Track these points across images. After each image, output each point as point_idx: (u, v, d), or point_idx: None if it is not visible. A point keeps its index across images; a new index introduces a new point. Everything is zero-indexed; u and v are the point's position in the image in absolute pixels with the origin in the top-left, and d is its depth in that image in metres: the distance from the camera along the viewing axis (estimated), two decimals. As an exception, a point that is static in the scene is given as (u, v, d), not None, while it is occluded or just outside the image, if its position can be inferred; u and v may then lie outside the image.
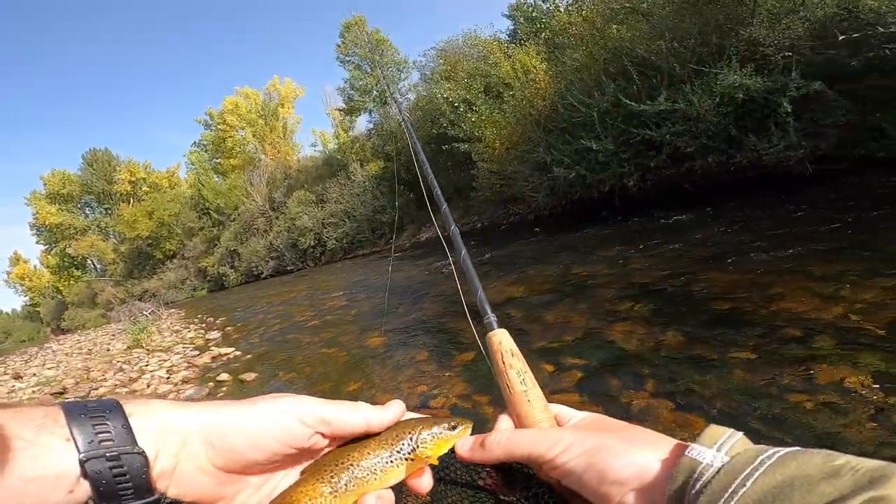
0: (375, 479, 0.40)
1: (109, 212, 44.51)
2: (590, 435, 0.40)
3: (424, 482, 0.44)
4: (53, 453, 0.30)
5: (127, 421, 0.33)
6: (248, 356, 6.14)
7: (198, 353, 7.19)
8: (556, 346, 3.44)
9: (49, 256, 48.24)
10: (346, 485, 0.39)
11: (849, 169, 6.05)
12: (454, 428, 0.45)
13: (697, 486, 0.30)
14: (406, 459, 0.41)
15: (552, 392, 2.80)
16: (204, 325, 11.24)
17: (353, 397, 3.59)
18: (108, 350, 10.09)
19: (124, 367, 7.22)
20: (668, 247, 5.41)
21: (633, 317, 3.58)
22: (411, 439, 0.42)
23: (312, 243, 23.38)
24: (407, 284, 8.37)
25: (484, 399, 2.95)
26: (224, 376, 5.24)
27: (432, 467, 0.45)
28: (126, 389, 5.64)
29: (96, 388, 6.00)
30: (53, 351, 13.49)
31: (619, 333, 3.33)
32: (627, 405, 2.41)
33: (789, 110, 5.85)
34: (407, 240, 18.38)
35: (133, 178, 43.77)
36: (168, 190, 42.60)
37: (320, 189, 23.86)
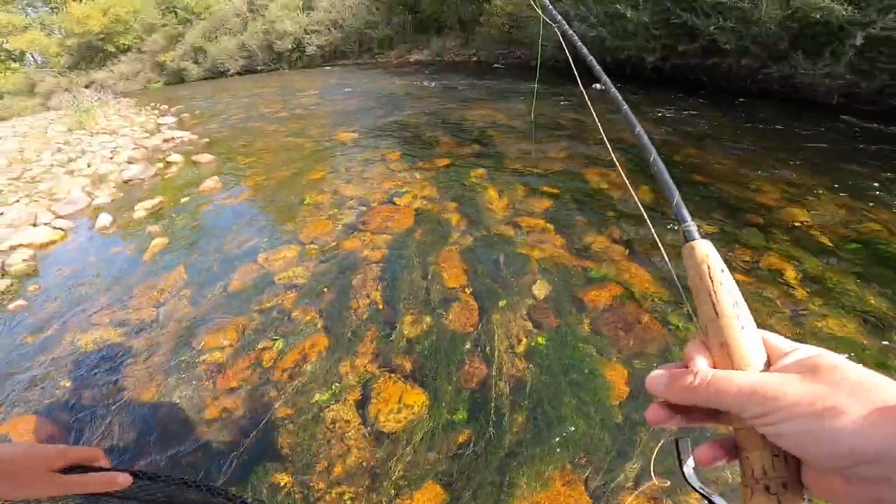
0: None
1: (55, 11, 38.65)
2: (819, 391, 0.30)
3: None
4: None
5: None
6: (206, 140, 5.70)
7: (148, 135, 6.62)
8: (530, 172, 3.37)
9: (-17, 53, 42.08)
10: None
11: (877, 113, 5.82)
12: None
13: None
14: None
15: (519, 213, 2.73)
16: (157, 111, 10.28)
17: (315, 186, 3.41)
18: (46, 133, 8.92)
19: (63, 147, 6.44)
20: (663, 120, 5.16)
21: (611, 164, 3.44)
22: None
23: (291, 47, 21.21)
24: (389, 93, 7.74)
25: (451, 205, 2.83)
26: (176, 157, 4.85)
27: None
28: (64, 169, 5.07)
29: (29, 169, 5.31)
30: (-17, 134, 11.79)
31: (594, 175, 3.28)
32: (588, 244, 2.47)
33: (858, 44, 5.61)
34: (394, 58, 16.89)
35: (87, -23, 36.25)
36: (130, -11, 35.94)
37: (309, -5, 20.94)
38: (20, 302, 2.55)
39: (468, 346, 1.88)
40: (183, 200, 3.54)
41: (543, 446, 1.49)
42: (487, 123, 4.80)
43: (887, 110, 5.92)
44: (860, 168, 3.52)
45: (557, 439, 1.51)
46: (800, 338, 1.71)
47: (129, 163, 5.06)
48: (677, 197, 0.51)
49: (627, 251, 2.36)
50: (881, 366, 1.64)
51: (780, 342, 0.38)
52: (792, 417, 0.30)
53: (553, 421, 1.57)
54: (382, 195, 3.04)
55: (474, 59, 14.63)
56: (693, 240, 0.46)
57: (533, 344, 1.84)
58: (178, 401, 1.76)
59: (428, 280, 2.22)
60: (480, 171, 3.35)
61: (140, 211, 3.46)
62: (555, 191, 3.00)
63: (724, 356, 0.38)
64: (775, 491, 0.32)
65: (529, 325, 1.94)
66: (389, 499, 1.36)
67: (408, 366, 1.82)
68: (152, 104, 12.34)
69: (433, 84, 8.39)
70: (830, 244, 2.41)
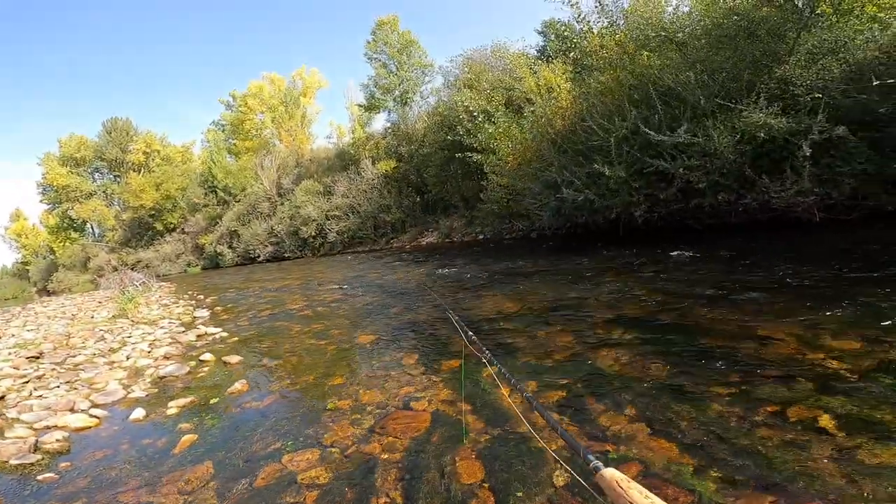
0: None
1: (118, 179, 44.64)
2: None
3: None
4: None
5: None
6: (235, 339, 6.11)
7: (183, 329, 7.14)
8: (541, 364, 3.49)
9: (50, 216, 47.86)
10: None
11: (859, 220, 6.01)
12: None
13: None
14: None
15: (532, 408, 2.86)
16: (193, 301, 11.19)
17: (337, 391, 3.63)
18: (92, 318, 9.76)
19: (106, 336, 7.05)
20: (663, 280, 5.48)
21: (620, 343, 3.65)
22: None
23: (314, 233, 23.44)
24: (404, 287, 8.39)
25: (467, 407, 2.98)
26: (207, 356, 5.19)
27: None
28: (105, 360, 5.44)
29: (74, 356, 5.78)
30: (36, 312, 12.92)
31: (605, 358, 3.40)
32: (605, 427, 2.51)
33: (808, 154, 5.77)
34: (407, 242, 18.43)
35: (148, 150, 43.80)
36: (180, 164, 42.62)
37: (329, 181, 24.04)
38: (50, 474, 2.70)
39: (487, 539, 1.88)
40: (213, 401, 3.76)
41: None
42: (496, 314, 5.17)
43: (867, 216, 5.97)
44: (862, 287, 3.73)
45: None
46: (852, 474, 1.79)
47: (166, 358, 5.42)
48: (582, 448, 0.77)
49: (648, 428, 2.41)
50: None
51: None
52: None
53: None
54: (400, 401, 3.22)
55: (480, 237, 15.88)
56: (599, 470, 0.64)
57: (555, 526, 1.84)
58: None
59: (445, 478, 2.28)
60: (494, 367, 3.61)
61: (173, 408, 3.65)
62: (566, 380, 3.13)
63: None
64: None
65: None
66: None
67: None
68: (189, 293, 13.44)
69: (444, 272, 9.18)
70: (855, 378, 2.48)
